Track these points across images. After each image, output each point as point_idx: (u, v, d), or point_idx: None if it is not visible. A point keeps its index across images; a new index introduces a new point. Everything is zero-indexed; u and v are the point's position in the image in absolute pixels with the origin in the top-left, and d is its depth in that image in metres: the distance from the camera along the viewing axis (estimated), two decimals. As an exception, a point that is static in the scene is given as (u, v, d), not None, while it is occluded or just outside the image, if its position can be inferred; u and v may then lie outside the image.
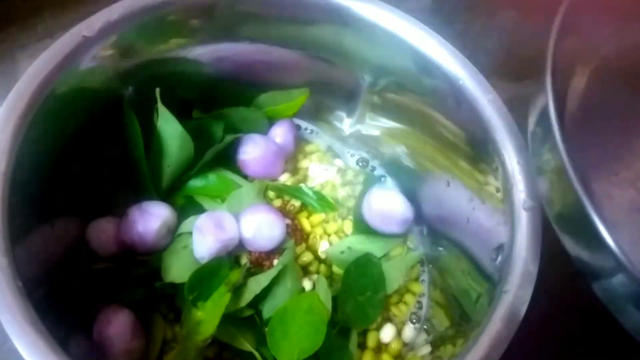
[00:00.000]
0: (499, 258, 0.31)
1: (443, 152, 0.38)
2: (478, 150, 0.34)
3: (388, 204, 0.40)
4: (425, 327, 0.39)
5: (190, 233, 0.36)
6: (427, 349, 0.36)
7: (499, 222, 0.32)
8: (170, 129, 0.37)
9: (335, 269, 0.39)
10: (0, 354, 0.37)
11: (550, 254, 0.30)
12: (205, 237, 0.34)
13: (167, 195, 0.39)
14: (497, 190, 0.32)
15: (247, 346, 0.34)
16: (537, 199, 0.30)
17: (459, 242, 0.37)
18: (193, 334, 0.33)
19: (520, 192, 0.30)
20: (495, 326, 0.27)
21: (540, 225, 0.30)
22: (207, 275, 0.34)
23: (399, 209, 0.40)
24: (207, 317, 0.33)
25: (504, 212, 0.31)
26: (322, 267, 0.39)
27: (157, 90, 0.36)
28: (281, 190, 0.41)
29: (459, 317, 0.35)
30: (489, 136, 0.32)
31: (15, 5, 0.51)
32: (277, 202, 0.41)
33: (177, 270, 0.35)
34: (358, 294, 0.37)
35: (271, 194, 0.41)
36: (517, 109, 0.33)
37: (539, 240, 0.29)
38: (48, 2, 0.51)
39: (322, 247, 0.40)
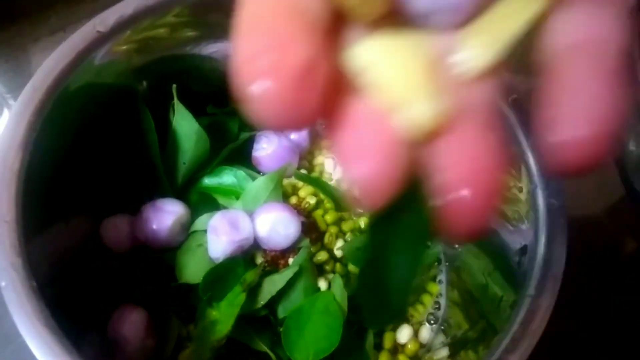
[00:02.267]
0: (522, 260, 0.30)
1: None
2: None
3: None
4: (442, 328, 0.38)
5: (205, 231, 0.35)
6: (445, 352, 0.35)
7: (523, 222, 0.31)
8: (186, 126, 0.36)
9: (351, 267, 0.39)
10: (12, 349, 0.37)
11: (576, 256, 0.29)
12: (220, 237, 0.34)
13: (181, 192, 0.38)
14: (520, 190, 0.31)
15: (262, 346, 0.33)
16: (562, 200, 0.29)
17: (479, 241, 0.36)
18: (208, 333, 0.32)
19: (545, 192, 0.30)
20: (519, 331, 0.26)
21: (565, 227, 0.29)
22: (222, 274, 0.33)
23: None
24: (222, 316, 0.32)
25: (527, 213, 0.30)
26: (338, 266, 0.39)
27: (174, 86, 0.35)
28: (304, 179, 0.40)
29: (478, 320, 0.34)
30: (512, 135, 0.31)
31: (28, -1, 0.51)
32: (293, 200, 0.40)
33: (192, 271, 0.34)
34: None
35: (288, 190, 0.41)
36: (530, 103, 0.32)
37: (564, 242, 0.28)
38: (60, -5, 0.51)
39: (338, 246, 0.39)
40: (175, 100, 0.36)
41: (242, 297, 0.33)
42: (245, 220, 0.35)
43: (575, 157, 0.12)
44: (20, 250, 0.26)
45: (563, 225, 0.29)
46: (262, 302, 0.34)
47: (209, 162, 0.38)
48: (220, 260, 0.34)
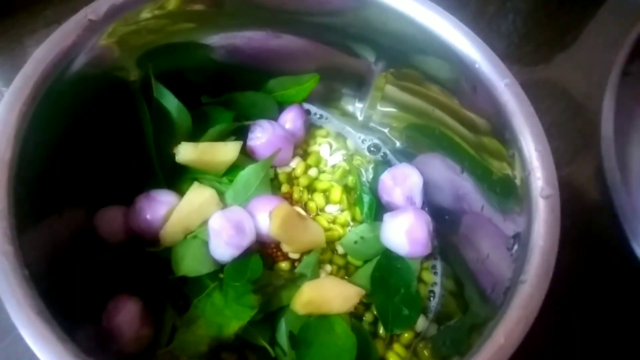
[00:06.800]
0: (515, 247, 0.30)
1: (457, 138, 0.37)
2: (494, 137, 0.33)
3: (408, 178, 0.39)
4: (436, 317, 0.38)
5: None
6: (439, 340, 0.35)
7: (516, 210, 0.31)
8: (166, 103, 0.36)
9: (350, 258, 0.39)
10: (8, 341, 0.37)
11: (567, 243, 0.29)
12: (226, 242, 0.34)
13: (173, 179, 0.38)
14: (514, 177, 0.31)
15: (262, 341, 0.34)
16: (555, 187, 0.29)
17: (473, 229, 0.36)
18: (211, 328, 0.32)
19: (538, 179, 0.29)
20: (512, 317, 0.26)
21: (559, 214, 0.29)
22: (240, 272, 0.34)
23: (419, 181, 0.40)
24: (233, 315, 0.33)
25: (520, 200, 0.30)
26: (336, 258, 0.39)
27: (150, 65, 0.35)
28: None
29: (472, 307, 0.34)
30: (506, 122, 0.31)
31: (24, -9, 0.51)
32: (284, 189, 0.41)
33: (189, 263, 0.34)
34: (393, 295, 0.36)
35: (281, 178, 0.41)
36: (532, 93, 0.32)
37: (557, 229, 0.28)
38: (56, -13, 0.51)
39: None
40: (152, 79, 0.35)
41: (255, 299, 0.33)
42: (250, 222, 0.35)
43: None
44: (12, 239, 0.25)
45: (556, 212, 0.29)
46: (273, 308, 0.34)
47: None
48: (225, 261, 0.34)
